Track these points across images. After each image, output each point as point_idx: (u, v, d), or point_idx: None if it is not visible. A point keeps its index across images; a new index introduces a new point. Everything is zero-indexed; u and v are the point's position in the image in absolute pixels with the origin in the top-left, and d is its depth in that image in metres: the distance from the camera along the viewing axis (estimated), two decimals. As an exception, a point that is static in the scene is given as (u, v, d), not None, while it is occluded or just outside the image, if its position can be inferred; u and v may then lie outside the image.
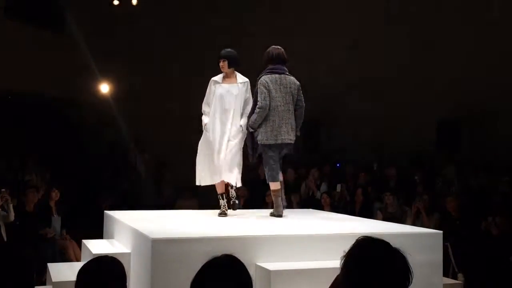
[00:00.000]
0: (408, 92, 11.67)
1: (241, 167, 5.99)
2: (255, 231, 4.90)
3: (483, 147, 10.64)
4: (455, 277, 7.15)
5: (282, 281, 4.10)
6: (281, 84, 5.83)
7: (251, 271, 2.34)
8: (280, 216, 5.86)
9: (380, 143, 11.64)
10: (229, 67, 6.01)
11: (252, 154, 6.01)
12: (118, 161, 13.58)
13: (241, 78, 6.09)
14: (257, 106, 5.74)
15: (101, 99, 13.90)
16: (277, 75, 5.84)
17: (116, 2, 12.84)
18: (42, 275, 6.70)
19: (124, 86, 13.64)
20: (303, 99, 5.96)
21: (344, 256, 2.20)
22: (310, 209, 7.47)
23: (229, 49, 6.07)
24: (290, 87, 5.85)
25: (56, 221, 8.65)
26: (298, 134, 6.06)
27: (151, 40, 14.02)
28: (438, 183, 9.66)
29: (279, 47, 6.04)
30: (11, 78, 12.06)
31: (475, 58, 10.98)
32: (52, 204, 8.73)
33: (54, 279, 4.90)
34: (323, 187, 10.28)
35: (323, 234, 4.76)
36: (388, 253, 2.16)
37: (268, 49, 6.03)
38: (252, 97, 5.98)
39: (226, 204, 5.99)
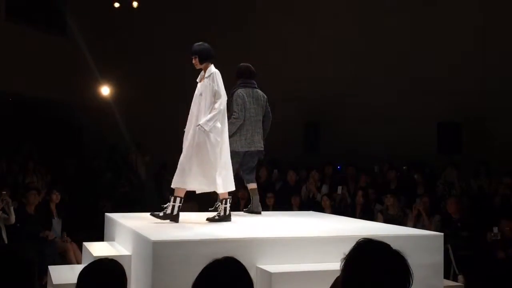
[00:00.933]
0: (408, 93, 11.67)
1: (205, 171, 5.36)
2: (256, 233, 4.90)
3: (484, 148, 10.64)
4: (455, 279, 7.15)
5: (283, 283, 4.10)
6: (253, 97, 6.35)
7: (252, 274, 2.34)
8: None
9: (381, 145, 11.63)
10: (201, 62, 5.57)
11: None
12: (118, 163, 13.58)
13: (209, 71, 5.53)
14: (233, 116, 6.14)
15: (102, 101, 13.92)
16: (250, 89, 6.38)
17: (117, 5, 12.84)
18: (43, 278, 6.70)
19: (125, 88, 13.66)
20: (270, 111, 6.53)
21: (344, 258, 2.20)
22: (311, 211, 7.47)
23: (199, 43, 5.64)
24: (260, 100, 6.40)
25: (57, 223, 8.65)
26: (263, 143, 6.57)
27: (151, 42, 14.04)
28: (439, 185, 9.65)
29: (248, 64, 6.56)
30: (12, 80, 12.08)
31: (476, 59, 10.99)
32: (52, 206, 8.73)
33: (54, 282, 4.90)
34: (324, 189, 10.27)
35: (324, 237, 4.76)
36: (388, 255, 2.16)
37: (239, 65, 6.54)
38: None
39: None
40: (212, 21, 13.58)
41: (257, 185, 6.65)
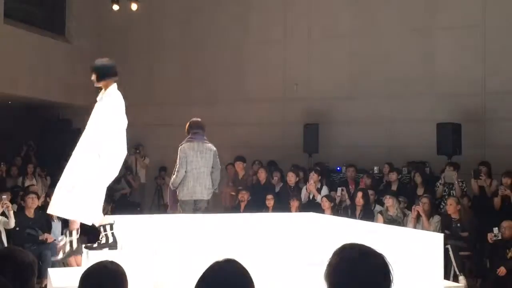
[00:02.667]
0: (408, 94, 11.66)
1: (84, 199, 4.72)
2: (256, 235, 4.89)
3: (484, 149, 10.63)
4: (456, 280, 7.15)
5: (282, 286, 4.10)
6: (198, 150, 6.94)
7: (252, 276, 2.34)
8: None
9: (380, 146, 11.62)
10: (99, 80, 5.00)
11: (172, 206, 7.22)
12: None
13: (106, 91, 5.01)
14: (176, 169, 6.93)
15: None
16: (196, 143, 6.97)
17: (116, 7, 12.81)
18: (43, 281, 6.71)
19: (124, 91, 13.61)
20: (218, 163, 7.18)
21: (326, 266, 2.24)
22: (311, 213, 7.46)
23: (100, 59, 5.15)
24: (206, 153, 6.98)
25: (57, 226, 8.64)
26: (216, 191, 7.46)
27: (151, 45, 14.04)
28: (439, 186, 9.66)
29: (199, 119, 7.19)
30: (11, 83, 12.08)
31: (475, 59, 11.00)
32: (52, 209, 8.70)
33: (54, 285, 4.89)
34: (324, 190, 10.24)
35: (324, 239, 4.76)
36: (367, 257, 2.19)
37: (189, 121, 7.18)
38: None
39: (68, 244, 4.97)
40: (212, 21, 13.56)
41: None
